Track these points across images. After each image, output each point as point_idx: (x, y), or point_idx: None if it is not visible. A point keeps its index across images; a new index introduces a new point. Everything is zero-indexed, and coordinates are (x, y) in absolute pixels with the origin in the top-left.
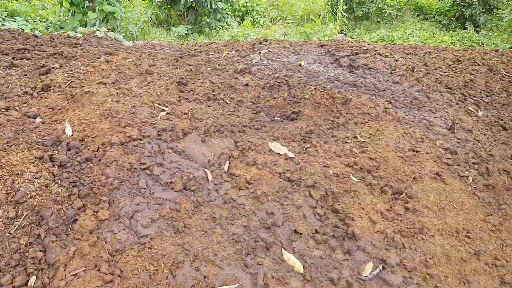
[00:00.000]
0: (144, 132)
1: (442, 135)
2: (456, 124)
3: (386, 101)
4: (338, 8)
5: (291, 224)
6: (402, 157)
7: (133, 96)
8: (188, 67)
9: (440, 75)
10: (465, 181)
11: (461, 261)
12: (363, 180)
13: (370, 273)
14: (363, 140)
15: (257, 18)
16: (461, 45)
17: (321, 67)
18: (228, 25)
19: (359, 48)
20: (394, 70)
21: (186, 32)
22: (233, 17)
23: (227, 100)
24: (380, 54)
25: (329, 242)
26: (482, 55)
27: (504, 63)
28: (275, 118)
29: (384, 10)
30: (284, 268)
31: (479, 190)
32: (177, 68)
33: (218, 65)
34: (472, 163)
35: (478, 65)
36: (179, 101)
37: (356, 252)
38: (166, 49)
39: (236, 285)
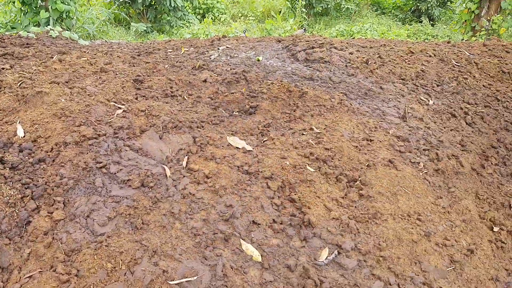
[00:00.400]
0: (99, 131)
1: (394, 124)
2: (408, 113)
3: (341, 93)
4: (297, 4)
5: (249, 215)
6: (357, 146)
7: (88, 94)
8: (145, 64)
9: (394, 66)
10: (416, 167)
11: (412, 242)
12: (319, 170)
13: (326, 258)
14: (319, 131)
15: (218, 16)
16: (416, 38)
17: (278, 62)
18: (189, 23)
19: (315, 42)
20: (349, 63)
21: (145, 29)
22: (194, 14)
23: (185, 97)
24: (335, 48)
25: (286, 230)
26: (434, 47)
27: (455, 53)
28: (234, 113)
29: (343, 6)
30: (243, 258)
31: (429, 175)
32: (134, 66)
33: (176, 62)
34: (423, 149)
35: (430, 56)
36: (136, 98)
37: (312, 239)
38: (124, 48)
39: (195, 277)
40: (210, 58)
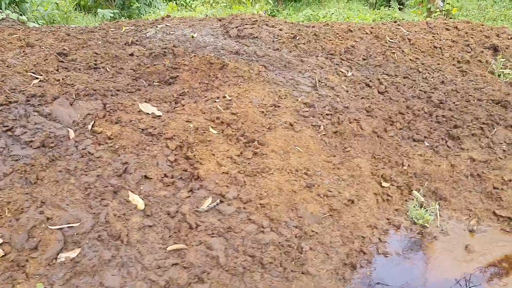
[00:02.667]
0: (11, 98)
1: (305, 92)
2: (321, 82)
3: (261, 65)
4: None
5: (142, 171)
6: (263, 111)
7: (7, 66)
8: (76, 40)
9: (325, 43)
10: (316, 130)
11: (292, 192)
12: (222, 132)
13: (207, 206)
14: (230, 99)
15: (189, 2)
16: (387, 20)
17: (212, 38)
18: (157, 9)
19: (250, 20)
20: (277, 38)
21: (112, 15)
22: (164, 1)
23: (107, 68)
24: (267, 25)
25: (176, 183)
26: (374, 26)
27: (391, 31)
28: (154, 83)
29: None
30: (128, 207)
31: (328, 136)
32: (65, 42)
33: (111, 38)
34: (326, 114)
35: (367, 33)
36: (57, 70)
37: (199, 190)
38: (72, 29)
39: (77, 224)
40: (146, 35)
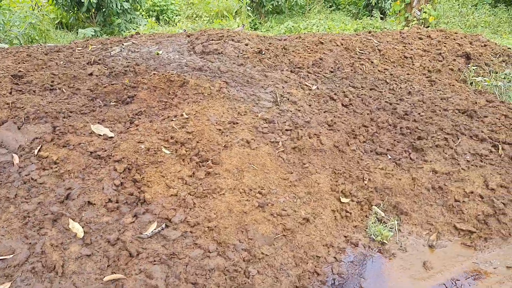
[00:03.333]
0: None
1: (266, 108)
2: (283, 97)
3: (223, 81)
4: (242, 3)
5: (86, 197)
6: (220, 129)
7: None
8: (36, 61)
9: (294, 56)
10: (274, 146)
11: (243, 213)
12: (175, 152)
13: (151, 232)
14: (187, 117)
15: (172, 17)
16: (369, 30)
17: (177, 55)
18: (138, 26)
19: (216, 35)
20: (242, 53)
21: (93, 33)
22: (147, 17)
23: (64, 90)
24: (233, 40)
25: (120, 208)
26: (345, 37)
27: (362, 42)
28: (110, 103)
29: (292, 1)
30: (67, 236)
31: (286, 153)
32: (23, 63)
33: (74, 58)
34: (286, 130)
35: (337, 45)
36: (10, 93)
37: (144, 215)
38: (37, 49)
39: (11, 256)
40: (110, 54)
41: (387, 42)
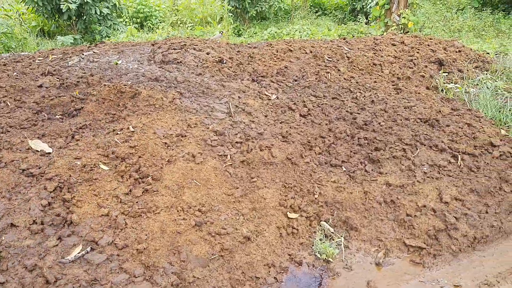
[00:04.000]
0: None
1: (219, 120)
2: (239, 108)
3: (178, 92)
4: (223, 9)
5: (9, 218)
6: (166, 143)
7: None
8: None
9: (258, 64)
10: (222, 160)
11: (177, 233)
12: (115, 168)
13: (74, 256)
14: (133, 130)
15: (156, 24)
16: (353, 35)
17: (136, 65)
18: (118, 32)
19: (178, 44)
20: (202, 62)
21: (72, 41)
22: (130, 24)
23: (8, 103)
24: (194, 49)
25: (45, 230)
26: (315, 44)
27: (331, 49)
28: (56, 116)
29: (275, 6)
30: None
31: (234, 166)
32: None
33: (30, 69)
34: (237, 142)
35: (306, 53)
36: None
37: (69, 237)
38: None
39: None
40: (67, 64)
41: (358, 49)
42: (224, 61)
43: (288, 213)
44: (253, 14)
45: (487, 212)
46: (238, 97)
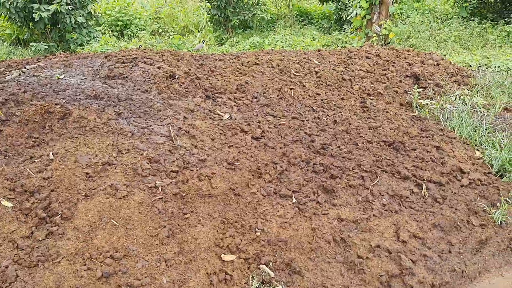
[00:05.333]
0: None
1: (157, 144)
2: (182, 130)
3: (115, 112)
4: (202, 18)
5: None
6: (88, 173)
7: None
8: None
9: (217, 79)
10: (151, 193)
11: None
12: (19, 204)
13: None
14: (52, 158)
15: (137, 32)
16: (337, 45)
17: (79, 80)
18: (94, 40)
19: (130, 56)
20: (150, 78)
21: (45, 47)
22: (109, 32)
23: None
24: (145, 62)
25: None
26: (283, 56)
27: (299, 63)
28: None
29: (258, 15)
30: None
31: (164, 200)
32: None
33: None
34: (172, 171)
35: (272, 67)
36: None
37: None
38: None
39: None
40: (4, 79)
41: (329, 62)
42: (177, 76)
43: (223, 254)
44: (236, 23)
45: (450, 252)
46: (184, 117)
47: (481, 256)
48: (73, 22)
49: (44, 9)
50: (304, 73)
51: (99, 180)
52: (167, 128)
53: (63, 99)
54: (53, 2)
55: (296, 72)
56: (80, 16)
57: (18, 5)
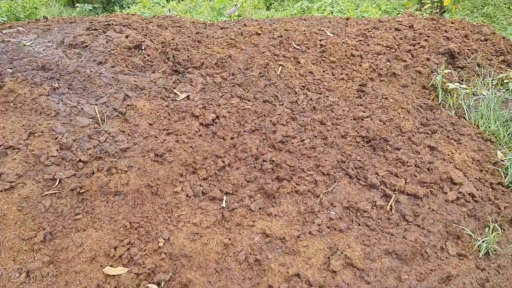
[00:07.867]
0: None
1: (79, 127)
2: (116, 111)
3: (51, 86)
4: None
5: None
6: None
7: None
8: None
9: (197, 52)
10: (46, 185)
11: None
12: None
13: None
14: None
15: None
16: (399, 12)
17: (42, 48)
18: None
19: (106, 22)
20: (111, 48)
21: (90, 8)
22: None
23: None
24: (114, 30)
25: None
26: (289, 26)
27: (307, 35)
28: None
29: None
30: None
31: (58, 196)
32: None
33: None
34: (81, 161)
35: (273, 38)
36: None
37: None
38: None
39: None
40: None
41: (345, 34)
42: (143, 47)
43: (109, 267)
44: None
45: None
46: (126, 95)
47: None
48: None
49: None
50: (306, 47)
51: None
52: (101, 108)
53: (10, 69)
54: None
55: (297, 45)
56: None
57: None
